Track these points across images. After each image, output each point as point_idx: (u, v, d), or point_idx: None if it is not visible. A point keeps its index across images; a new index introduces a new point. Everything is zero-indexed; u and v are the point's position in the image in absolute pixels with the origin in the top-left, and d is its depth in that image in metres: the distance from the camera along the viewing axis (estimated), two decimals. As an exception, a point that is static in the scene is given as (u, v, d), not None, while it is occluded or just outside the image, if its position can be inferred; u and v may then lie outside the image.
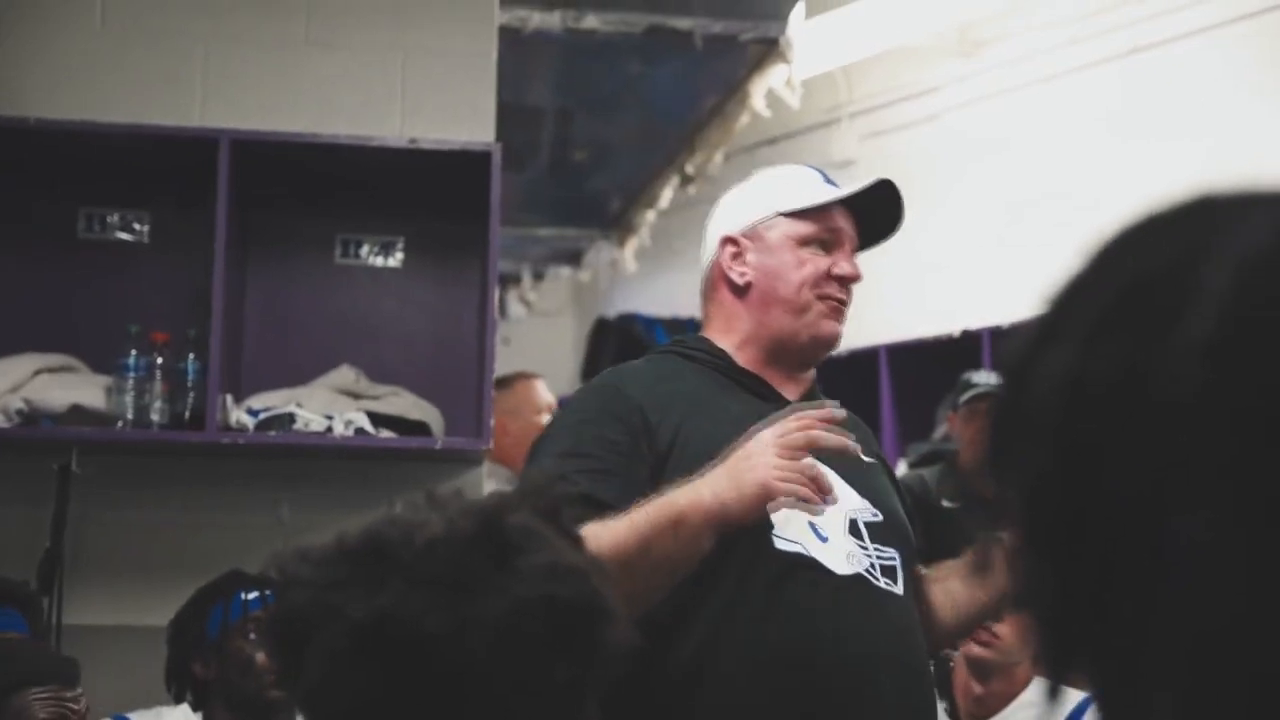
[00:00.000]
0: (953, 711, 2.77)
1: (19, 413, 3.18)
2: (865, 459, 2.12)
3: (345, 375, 3.48)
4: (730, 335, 2.16)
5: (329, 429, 3.27)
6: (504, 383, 4.51)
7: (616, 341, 7.41)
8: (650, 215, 6.81)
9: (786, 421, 1.88)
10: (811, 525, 1.98)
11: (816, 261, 2.12)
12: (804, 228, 2.14)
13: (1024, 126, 6.00)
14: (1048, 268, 0.69)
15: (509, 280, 7.91)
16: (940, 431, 5.38)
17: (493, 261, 3.39)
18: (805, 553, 1.96)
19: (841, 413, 1.92)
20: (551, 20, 4.72)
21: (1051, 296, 0.67)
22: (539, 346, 7.71)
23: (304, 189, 3.56)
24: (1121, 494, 0.59)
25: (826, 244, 2.14)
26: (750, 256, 2.15)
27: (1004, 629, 2.68)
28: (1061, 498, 0.62)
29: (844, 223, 2.15)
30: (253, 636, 2.63)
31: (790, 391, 2.15)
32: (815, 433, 1.86)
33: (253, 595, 2.67)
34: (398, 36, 3.64)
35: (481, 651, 1.07)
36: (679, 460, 1.97)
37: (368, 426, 3.30)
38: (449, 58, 3.65)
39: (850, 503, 2.04)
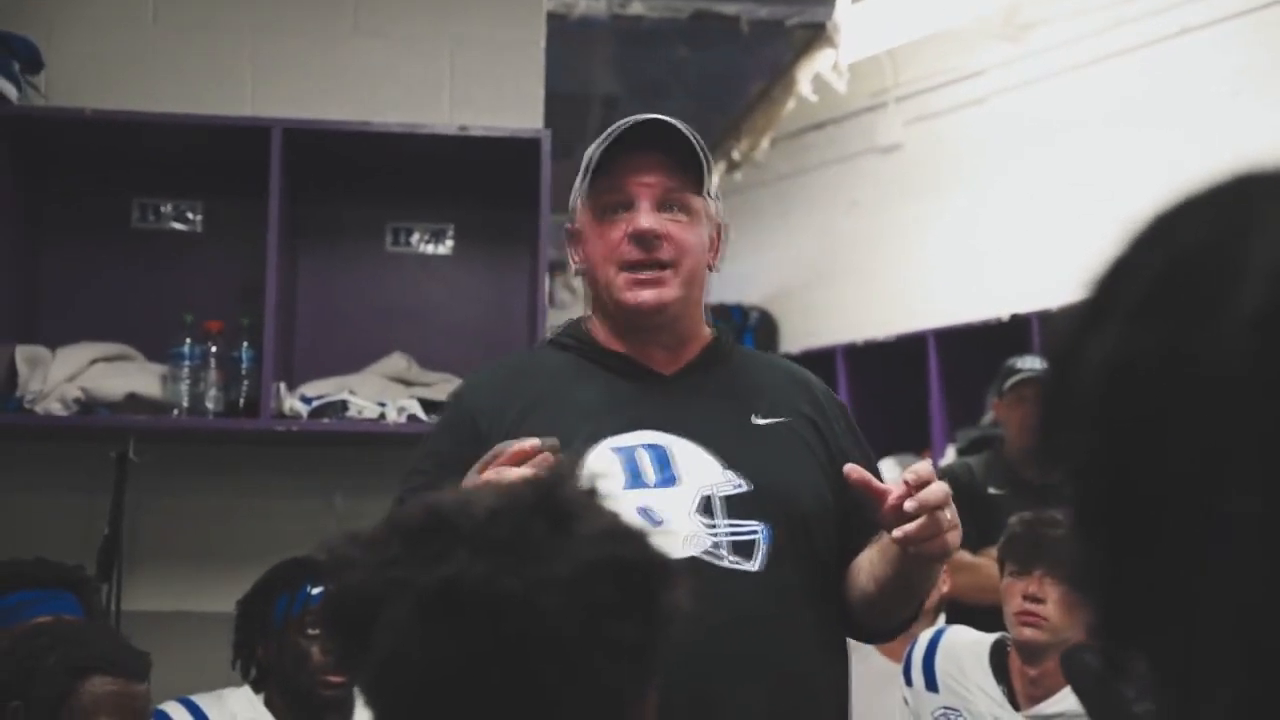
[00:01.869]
0: (1011, 696, 2.77)
1: (76, 401, 3.21)
2: (759, 421, 2.04)
3: (397, 362, 3.50)
4: (594, 318, 2.13)
5: (382, 416, 3.30)
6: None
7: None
8: (696, 201, 6.80)
9: (481, 462, 1.79)
10: (643, 511, 1.90)
11: (610, 233, 2.03)
12: (595, 200, 2.06)
13: (1071, 109, 5.96)
14: (1097, 251, 0.69)
15: (555, 268, 7.91)
16: (989, 417, 5.36)
17: (543, 248, 3.40)
18: None
19: (534, 442, 1.77)
20: (598, 6, 4.73)
21: (1093, 279, 0.67)
22: (585, 334, 7.70)
23: (354, 177, 3.59)
24: (1173, 472, 0.59)
25: (623, 206, 2.03)
26: (583, 244, 2.11)
27: (1050, 609, 2.68)
28: (1112, 478, 0.62)
29: (635, 176, 2.03)
30: (310, 632, 2.65)
31: (663, 363, 2.08)
32: (490, 474, 1.74)
33: (318, 590, 2.67)
34: (446, 24, 3.66)
35: (552, 613, 1.08)
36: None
37: (420, 413, 3.32)
38: (497, 45, 3.66)
39: (707, 478, 1.95)
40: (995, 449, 4.45)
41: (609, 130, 2.04)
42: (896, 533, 1.80)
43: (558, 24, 4.36)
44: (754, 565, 1.91)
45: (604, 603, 1.10)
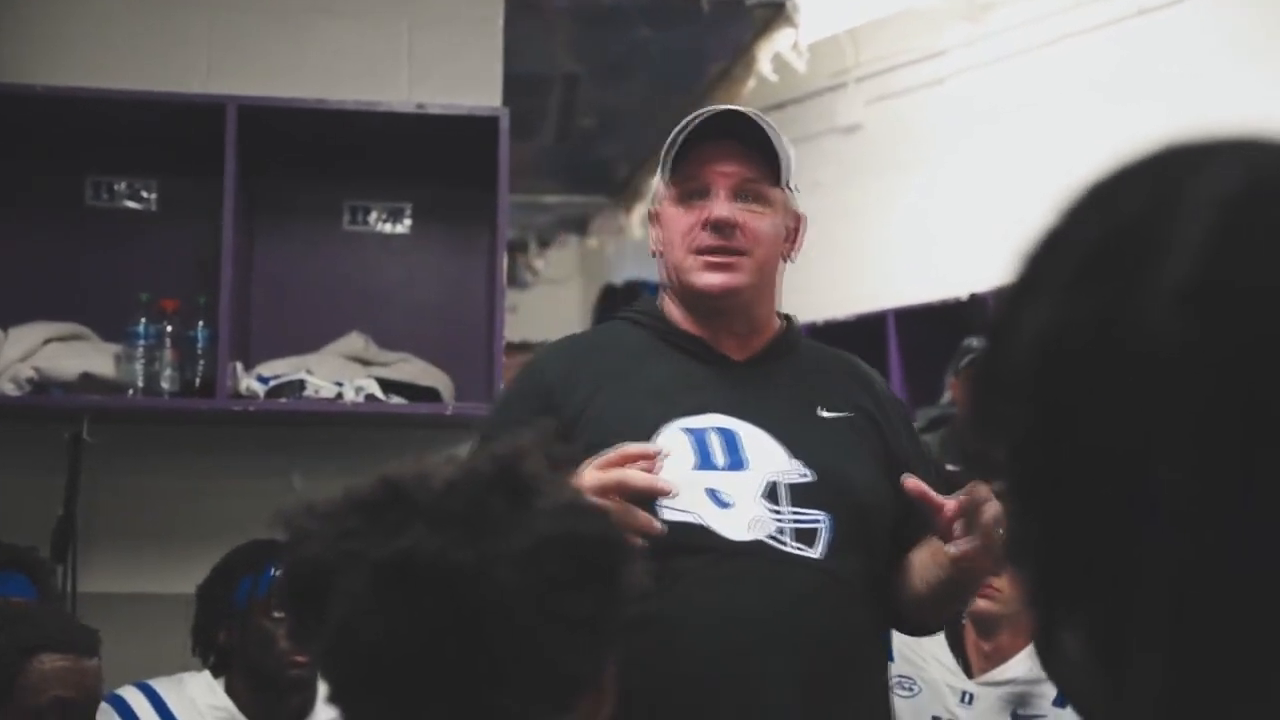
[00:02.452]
0: (965, 667, 2.78)
1: (29, 381, 3.18)
2: (825, 414, 2.09)
3: (354, 342, 3.48)
4: (668, 300, 2.17)
5: (339, 395, 3.28)
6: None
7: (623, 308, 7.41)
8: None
9: (602, 460, 1.82)
10: (711, 492, 1.95)
11: (686, 218, 2.08)
12: (675, 187, 2.11)
13: (1031, 90, 5.97)
14: (1033, 224, 0.69)
15: (516, 248, 7.91)
16: (947, 396, 5.39)
17: (501, 227, 3.38)
18: (697, 521, 1.94)
19: (661, 449, 1.86)
20: (558, -15, 4.71)
21: (1026, 254, 0.67)
22: (546, 314, 7.70)
23: (311, 155, 3.56)
24: (1103, 445, 0.60)
25: (701, 193, 2.08)
26: (660, 227, 2.15)
27: (1004, 582, 2.69)
28: (1044, 452, 0.62)
29: (713, 165, 2.08)
30: (275, 614, 2.63)
31: (735, 349, 2.13)
32: (618, 474, 1.79)
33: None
34: (404, 2, 3.63)
35: (507, 587, 1.08)
36: (584, 433, 1.96)
37: (378, 393, 3.30)
38: (455, 23, 3.64)
39: (773, 465, 2.00)
40: (952, 427, 4.48)
41: (689, 117, 2.08)
42: (950, 549, 1.89)
43: (517, 2, 4.33)
44: (816, 553, 1.97)
45: (559, 578, 1.10)
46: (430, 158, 3.54)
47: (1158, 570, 0.58)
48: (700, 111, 2.09)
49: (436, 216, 3.69)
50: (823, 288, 6.63)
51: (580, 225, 7.98)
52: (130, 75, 3.42)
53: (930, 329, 5.63)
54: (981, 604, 2.72)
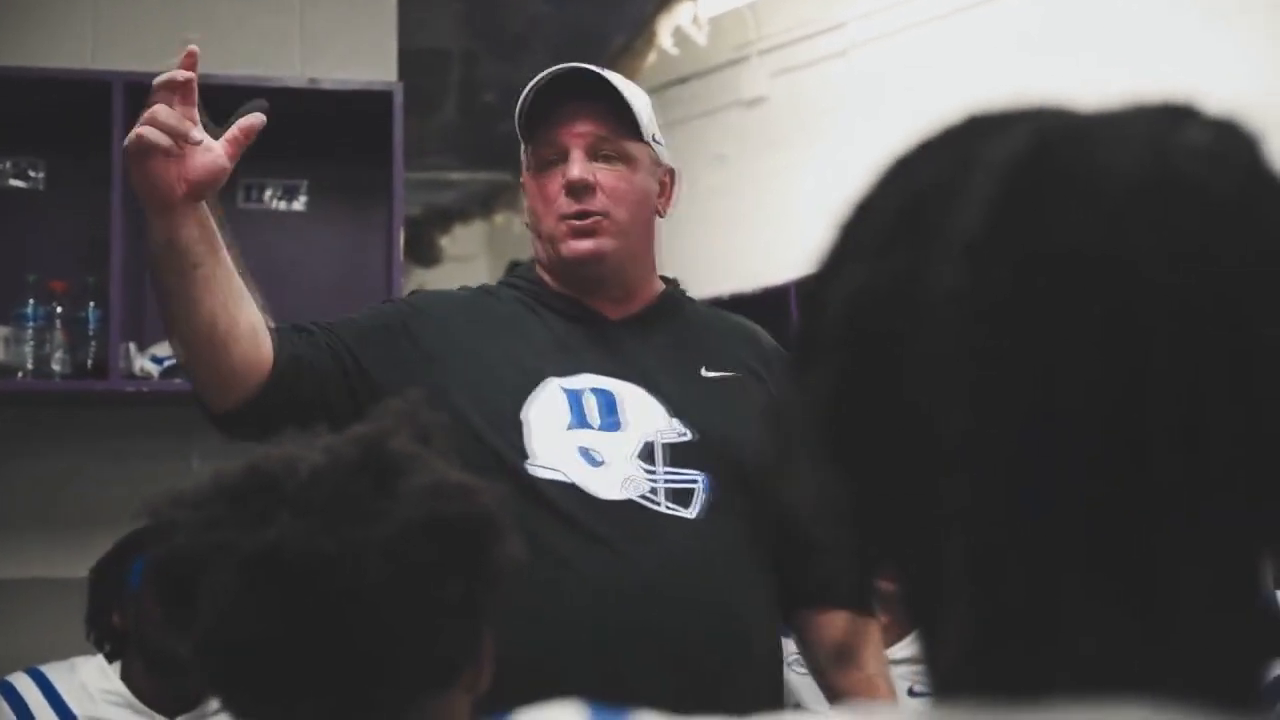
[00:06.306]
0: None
1: (-85, 366, 3.12)
2: (708, 374, 2.07)
3: (251, 321, 3.44)
4: (541, 269, 2.14)
5: (235, 375, 3.24)
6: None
7: (531, 285, 7.37)
8: (562, 156, 6.78)
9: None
10: (583, 450, 1.93)
11: (548, 186, 2.04)
12: (534, 154, 2.07)
13: (935, 58, 6.02)
14: (846, 197, 0.70)
15: (421, 225, 7.85)
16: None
17: (397, 204, 3.36)
18: (564, 479, 1.91)
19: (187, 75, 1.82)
20: (454, -41, 4.67)
21: (839, 223, 0.69)
22: (454, 292, 7.64)
23: (203, 131, 3.50)
24: (900, 400, 0.62)
25: (559, 158, 2.04)
26: (528, 198, 2.12)
27: None
28: (851, 410, 0.64)
29: (565, 126, 2.03)
30: None
31: (611, 310, 2.10)
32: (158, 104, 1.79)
33: None
34: (295, -25, 3.59)
35: (374, 575, 1.08)
36: (451, 376, 1.95)
37: (275, 372, 3.26)
38: (348, -4, 3.60)
39: (651, 425, 1.97)
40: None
41: (533, 80, 2.04)
42: None
43: (412, -24, 4.29)
44: (690, 513, 1.94)
45: (426, 562, 1.10)
46: (325, 134, 3.50)
47: (955, 521, 0.60)
48: (544, 73, 2.04)
49: (333, 194, 3.66)
50: (728, 261, 6.65)
51: (486, 202, 7.94)
52: (13, 52, 3.35)
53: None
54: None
